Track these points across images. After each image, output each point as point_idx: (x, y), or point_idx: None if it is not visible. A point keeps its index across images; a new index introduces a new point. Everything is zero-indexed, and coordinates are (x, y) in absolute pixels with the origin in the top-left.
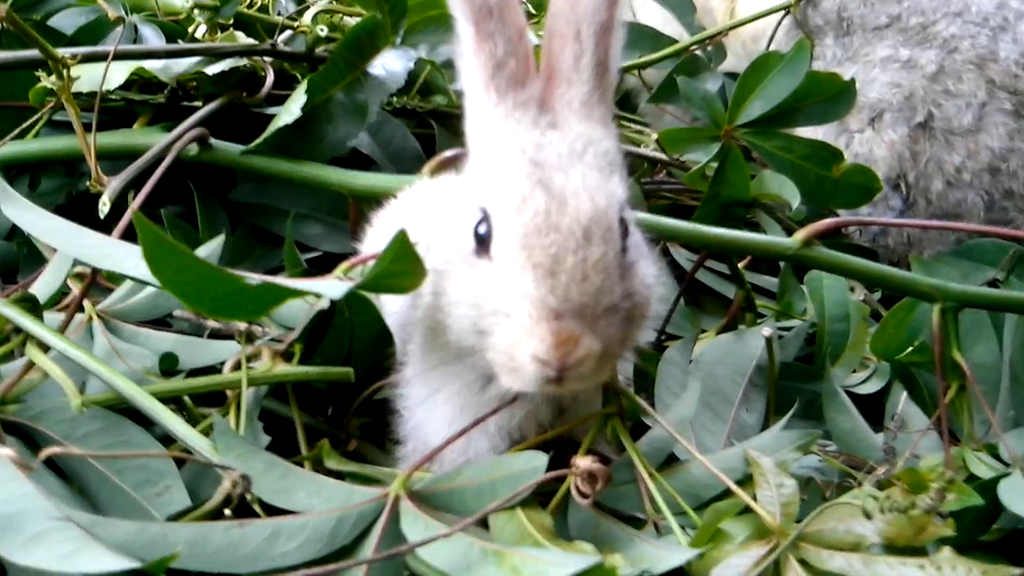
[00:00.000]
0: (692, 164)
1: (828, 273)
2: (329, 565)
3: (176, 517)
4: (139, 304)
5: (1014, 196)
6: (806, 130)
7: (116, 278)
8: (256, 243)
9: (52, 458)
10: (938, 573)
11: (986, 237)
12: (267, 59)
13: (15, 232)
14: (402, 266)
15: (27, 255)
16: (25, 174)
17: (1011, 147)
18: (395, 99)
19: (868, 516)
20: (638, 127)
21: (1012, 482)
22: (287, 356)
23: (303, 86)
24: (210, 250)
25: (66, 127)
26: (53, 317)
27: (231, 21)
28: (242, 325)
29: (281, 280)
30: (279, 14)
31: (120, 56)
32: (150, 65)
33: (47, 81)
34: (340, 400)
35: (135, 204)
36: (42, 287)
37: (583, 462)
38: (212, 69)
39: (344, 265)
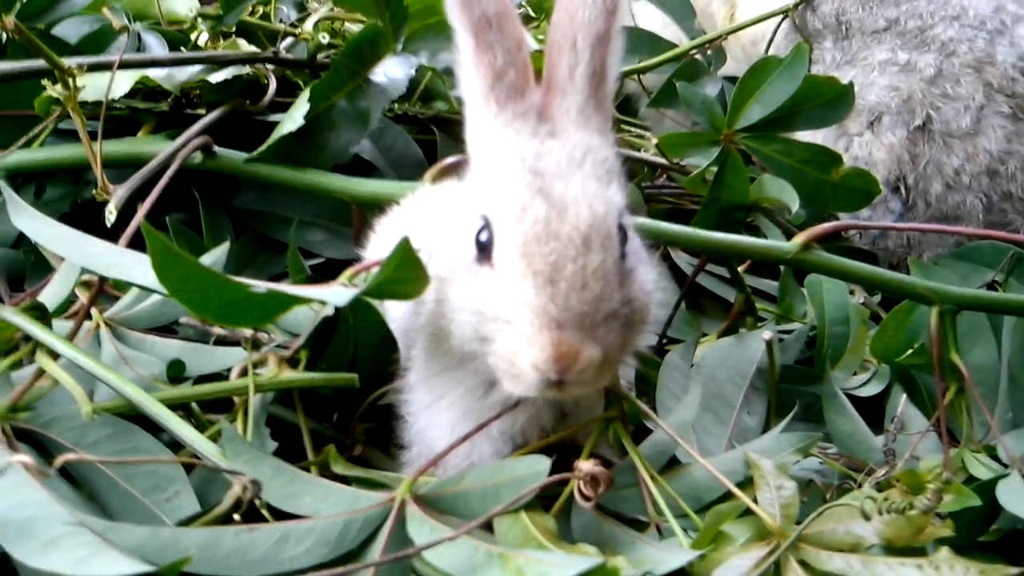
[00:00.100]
0: (692, 168)
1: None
2: (337, 568)
3: (185, 522)
4: (145, 311)
5: (1012, 198)
6: (805, 133)
7: (122, 286)
8: (260, 250)
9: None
10: (936, 573)
11: (985, 240)
12: (269, 67)
13: (21, 240)
14: (406, 273)
15: (34, 263)
16: (31, 183)
17: (1009, 150)
18: (396, 105)
19: (866, 517)
20: (638, 131)
21: (1010, 483)
22: (293, 362)
23: (306, 94)
24: (215, 258)
25: (70, 135)
26: (61, 325)
27: (233, 29)
28: (248, 332)
29: (287, 288)
30: (281, 21)
31: (125, 65)
32: (154, 74)
33: (53, 90)
34: (345, 406)
35: (141, 212)
36: (50, 295)
37: (585, 466)
38: (215, 77)
39: (349, 272)
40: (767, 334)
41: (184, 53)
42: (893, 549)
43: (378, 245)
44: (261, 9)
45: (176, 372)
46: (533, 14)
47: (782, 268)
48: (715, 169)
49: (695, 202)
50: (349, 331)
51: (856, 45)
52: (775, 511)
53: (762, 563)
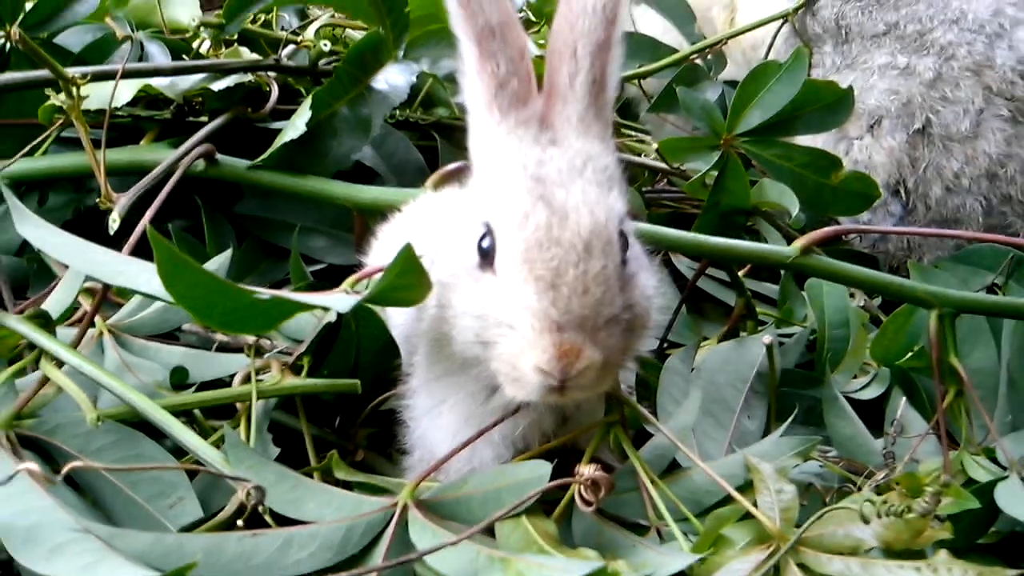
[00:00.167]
0: (692, 173)
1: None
2: (340, 573)
3: (189, 528)
4: (148, 318)
5: (1012, 201)
6: (805, 138)
7: (125, 293)
8: (262, 256)
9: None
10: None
11: (985, 243)
12: (271, 74)
13: (25, 248)
14: (408, 279)
15: (37, 271)
16: (34, 191)
17: (1008, 153)
18: (398, 112)
19: (865, 520)
20: (639, 136)
21: (1009, 485)
22: (295, 369)
23: (308, 101)
24: (218, 264)
25: (74, 144)
26: (65, 332)
27: (235, 37)
28: (251, 338)
29: (290, 294)
30: (283, 29)
31: (128, 74)
32: (156, 82)
33: (56, 99)
34: (347, 411)
35: (145, 219)
36: (54, 303)
37: (586, 470)
38: (217, 85)
39: (351, 279)
40: (767, 338)
41: (186, 61)
42: (892, 552)
43: (380, 251)
44: (263, 17)
45: (179, 379)
46: (534, 19)
47: (782, 272)
48: (715, 173)
49: (695, 206)
50: (351, 337)
51: (856, 49)
52: (775, 515)
53: (762, 566)
